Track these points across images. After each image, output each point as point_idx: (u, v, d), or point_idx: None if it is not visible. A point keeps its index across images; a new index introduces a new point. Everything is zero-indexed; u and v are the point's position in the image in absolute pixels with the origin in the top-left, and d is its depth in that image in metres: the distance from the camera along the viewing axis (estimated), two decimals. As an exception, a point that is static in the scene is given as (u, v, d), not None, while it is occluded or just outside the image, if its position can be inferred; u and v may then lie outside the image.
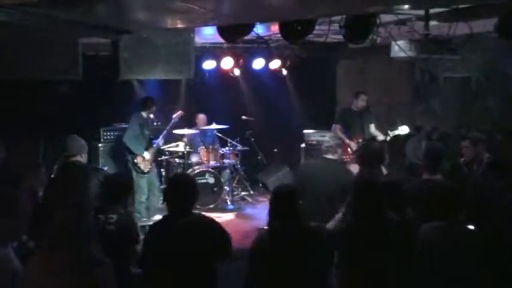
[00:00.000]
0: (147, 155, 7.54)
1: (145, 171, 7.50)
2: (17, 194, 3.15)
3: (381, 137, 7.80)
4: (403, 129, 7.75)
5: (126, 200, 4.13)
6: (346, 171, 5.32)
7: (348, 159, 7.38)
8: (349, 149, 7.60)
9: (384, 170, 6.95)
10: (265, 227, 3.62)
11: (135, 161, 7.44)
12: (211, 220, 3.58)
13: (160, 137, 7.89)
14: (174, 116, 8.01)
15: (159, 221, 3.70)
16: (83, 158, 4.99)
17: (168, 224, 3.55)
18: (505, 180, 4.18)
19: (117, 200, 4.01)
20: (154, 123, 7.98)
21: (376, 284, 3.53)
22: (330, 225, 4.03)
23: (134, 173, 7.41)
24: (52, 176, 5.98)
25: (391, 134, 7.71)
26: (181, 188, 3.58)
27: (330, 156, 5.31)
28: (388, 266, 3.55)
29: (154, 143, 7.79)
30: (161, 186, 8.59)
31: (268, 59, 9.28)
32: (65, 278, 2.69)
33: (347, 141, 7.62)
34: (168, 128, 7.94)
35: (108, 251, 3.12)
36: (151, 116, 7.70)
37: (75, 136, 5.03)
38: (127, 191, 4.23)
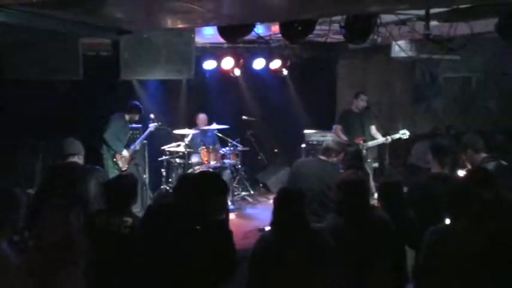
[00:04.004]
0: (125, 153, 7.61)
1: (123, 169, 7.55)
2: (18, 193, 3.17)
3: (381, 138, 7.80)
4: (404, 134, 7.75)
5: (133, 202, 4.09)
6: (338, 172, 5.34)
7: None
8: None
9: (368, 171, 6.99)
10: (267, 228, 3.61)
11: (114, 159, 7.50)
12: None
13: (137, 141, 7.90)
14: (150, 125, 8.00)
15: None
16: (80, 160, 4.99)
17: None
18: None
19: (129, 203, 3.94)
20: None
21: (370, 283, 3.53)
22: (323, 224, 4.02)
23: (111, 171, 7.41)
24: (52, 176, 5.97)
25: (392, 138, 7.71)
26: (190, 187, 3.58)
27: (323, 157, 5.32)
28: (381, 265, 3.55)
29: (131, 146, 7.81)
30: (162, 186, 8.62)
31: (269, 59, 9.27)
32: (49, 278, 2.67)
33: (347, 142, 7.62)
34: (142, 137, 7.95)
35: (122, 255, 3.10)
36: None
37: (72, 138, 5.05)
38: (137, 193, 4.17)
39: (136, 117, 7.83)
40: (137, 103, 7.91)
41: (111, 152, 7.48)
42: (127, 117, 7.72)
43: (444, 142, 5.31)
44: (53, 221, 2.81)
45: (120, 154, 7.54)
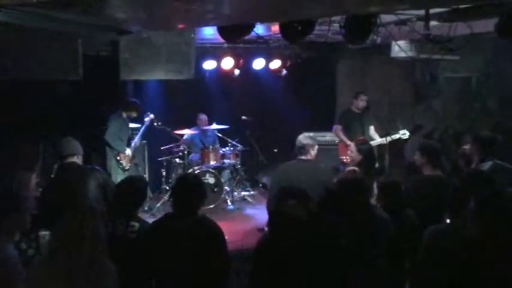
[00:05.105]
0: (128, 151, 7.58)
1: (126, 168, 7.52)
2: (24, 195, 3.17)
3: (379, 139, 7.78)
4: (404, 134, 7.74)
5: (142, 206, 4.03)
6: (323, 170, 5.33)
7: (347, 160, 7.36)
8: (349, 151, 7.55)
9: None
10: (266, 228, 3.61)
11: (118, 158, 7.47)
12: (215, 223, 3.57)
13: (136, 138, 7.86)
14: (146, 119, 7.93)
15: (161, 219, 3.68)
16: (79, 160, 4.97)
17: (171, 222, 3.54)
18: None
19: (138, 206, 3.86)
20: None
21: (370, 283, 3.53)
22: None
23: (114, 170, 7.42)
24: (52, 176, 5.98)
25: (392, 138, 7.70)
26: (190, 188, 3.57)
27: (302, 157, 5.31)
28: (381, 265, 3.55)
29: (131, 144, 7.78)
30: (162, 186, 8.62)
31: (269, 59, 9.27)
32: (66, 283, 2.64)
33: (348, 142, 7.60)
34: (141, 131, 7.90)
35: (127, 260, 3.10)
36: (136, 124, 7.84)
37: (70, 138, 5.03)
38: (146, 196, 4.08)
39: (134, 114, 7.68)
40: (134, 100, 7.80)
41: (114, 151, 7.47)
42: (124, 114, 7.61)
43: (433, 143, 5.31)
44: (61, 223, 2.76)
45: (124, 153, 7.52)
